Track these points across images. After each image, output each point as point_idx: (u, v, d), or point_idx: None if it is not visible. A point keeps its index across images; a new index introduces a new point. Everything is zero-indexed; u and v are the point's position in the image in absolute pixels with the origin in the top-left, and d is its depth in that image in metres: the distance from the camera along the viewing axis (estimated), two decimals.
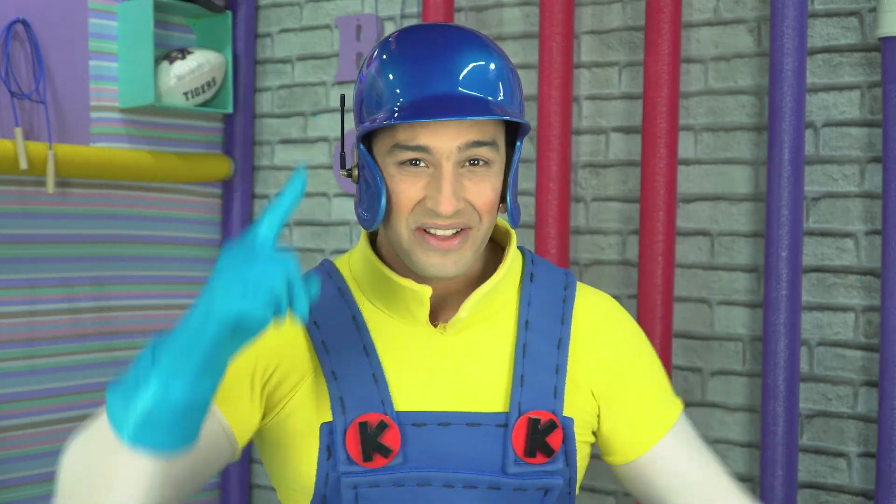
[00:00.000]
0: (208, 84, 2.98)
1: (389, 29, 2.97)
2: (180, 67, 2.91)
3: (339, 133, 3.05)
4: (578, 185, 2.67)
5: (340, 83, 3.06)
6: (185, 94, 2.93)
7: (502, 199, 1.29)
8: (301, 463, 1.27)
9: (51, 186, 2.67)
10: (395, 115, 1.17)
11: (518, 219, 1.28)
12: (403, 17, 2.93)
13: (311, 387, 1.27)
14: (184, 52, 2.93)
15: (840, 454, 2.34)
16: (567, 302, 1.33)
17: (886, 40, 2.18)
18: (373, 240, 1.36)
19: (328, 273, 1.33)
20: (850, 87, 2.32)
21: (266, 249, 1.04)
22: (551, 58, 2.53)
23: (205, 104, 3.06)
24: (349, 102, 3.08)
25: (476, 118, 1.16)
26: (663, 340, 2.42)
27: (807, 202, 2.37)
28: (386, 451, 1.23)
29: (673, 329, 2.50)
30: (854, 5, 2.31)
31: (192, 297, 3.16)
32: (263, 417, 1.29)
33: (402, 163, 1.20)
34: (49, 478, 2.83)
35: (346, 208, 3.06)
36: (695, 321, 2.52)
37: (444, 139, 1.18)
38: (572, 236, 2.68)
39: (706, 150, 2.50)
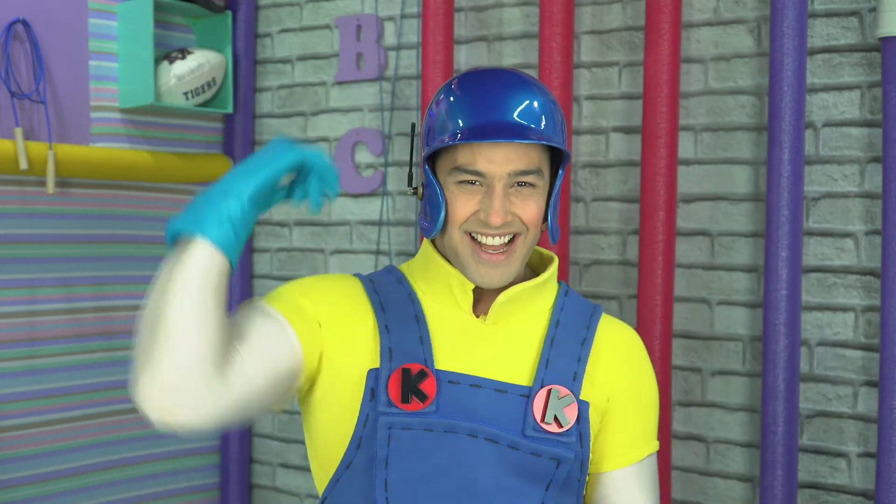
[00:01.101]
0: (208, 84, 2.98)
1: (389, 29, 2.97)
2: (180, 67, 2.91)
3: (338, 133, 3.06)
4: (578, 185, 2.67)
5: (340, 83, 3.06)
6: (185, 94, 2.93)
7: (545, 218, 1.50)
8: (345, 409, 1.45)
9: (51, 186, 2.67)
10: (457, 137, 1.42)
11: (558, 235, 1.52)
12: (403, 17, 2.93)
13: (366, 336, 1.47)
14: (184, 52, 2.93)
15: (840, 454, 2.34)
16: (594, 316, 1.55)
17: (886, 40, 2.18)
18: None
19: (389, 270, 1.57)
20: (850, 87, 2.32)
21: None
22: (551, 58, 2.53)
23: (205, 104, 3.06)
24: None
25: (524, 141, 1.39)
26: (663, 340, 2.42)
27: (807, 202, 2.37)
28: (422, 397, 1.43)
29: (673, 329, 2.50)
30: (854, 5, 2.31)
31: None
32: (320, 360, 1.47)
33: (461, 182, 1.44)
34: (49, 478, 2.83)
35: (346, 208, 3.06)
36: (695, 321, 2.52)
37: (497, 166, 1.41)
38: (572, 236, 2.68)
39: (706, 150, 2.50)
